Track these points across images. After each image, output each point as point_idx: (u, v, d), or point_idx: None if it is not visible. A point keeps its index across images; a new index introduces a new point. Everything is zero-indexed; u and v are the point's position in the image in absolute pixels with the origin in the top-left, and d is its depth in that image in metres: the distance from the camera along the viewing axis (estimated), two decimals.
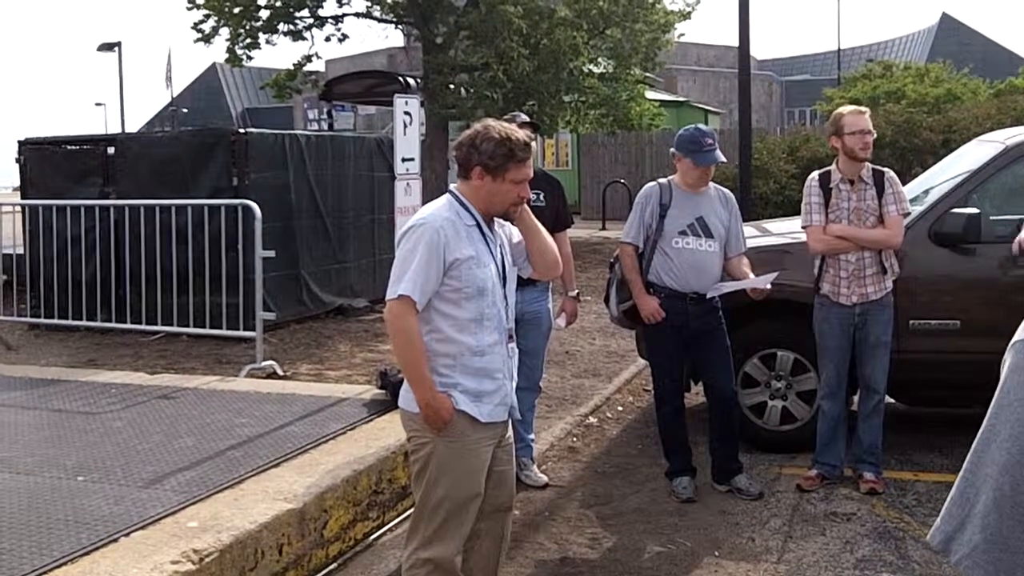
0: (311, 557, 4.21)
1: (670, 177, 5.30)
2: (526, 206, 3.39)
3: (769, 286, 5.06)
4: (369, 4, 18.22)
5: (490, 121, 3.36)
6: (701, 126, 5.31)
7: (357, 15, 18.49)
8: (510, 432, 3.49)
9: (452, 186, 3.39)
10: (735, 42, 12.67)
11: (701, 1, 19.44)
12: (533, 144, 5.24)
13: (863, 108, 5.37)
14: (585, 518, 5.02)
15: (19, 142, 10.34)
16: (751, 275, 5.14)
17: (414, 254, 3.18)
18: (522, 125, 4.50)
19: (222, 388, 6.39)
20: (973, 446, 1.46)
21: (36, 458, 4.76)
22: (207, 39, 18.15)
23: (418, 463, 3.31)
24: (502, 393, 3.34)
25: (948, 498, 1.48)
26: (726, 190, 5.35)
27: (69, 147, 10.23)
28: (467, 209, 3.30)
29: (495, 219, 3.38)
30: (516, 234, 3.46)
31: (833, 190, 5.21)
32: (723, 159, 5.12)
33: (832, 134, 5.28)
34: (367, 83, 18.63)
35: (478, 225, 3.30)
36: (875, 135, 5.21)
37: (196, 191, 9.08)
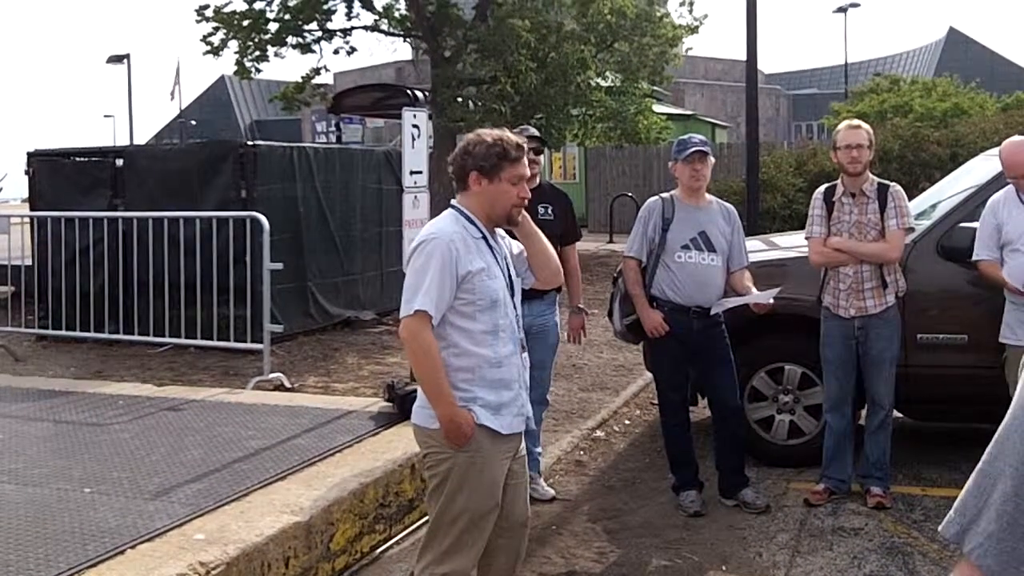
0: (317, 570, 4.21)
1: (672, 191, 5.32)
2: (526, 214, 3.40)
3: (772, 301, 5.06)
4: (377, 18, 18.31)
5: (480, 130, 3.38)
6: (692, 135, 5.35)
7: (366, 28, 18.58)
8: (523, 445, 3.49)
9: (453, 201, 3.39)
10: (743, 56, 12.69)
11: (709, 15, 19.66)
12: (540, 158, 5.25)
13: (857, 122, 5.37)
14: (592, 532, 5.01)
15: (28, 154, 10.41)
16: (754, 289, 5.14)
17: (427, 269, 3.17)
18: (529, 139, 4.51)
19: (229, 400, 6.40)
20: (992, 441, 1.46)
21: (43, 470, 4.77)
22: (216, 52, 18.25)
23: (436, 478, 3.28)
24: (519, 403, 3.34)
25: (963, 490, 1.48)
26: (728, 205, 5.37)
27: (78, 159, 10.29)
28: (472, 222, 3.30)
29: (496, 231, 3.39)
30: (516, 246, 3.47)
31: (836, 203, 5.22)
32: (707, 151, 5.13)
33: (832, 149, 5.31)
34: (375, 96, 18.69)
35: (484, 237, 3.30)
36: (867, 147, 5.15)
37: (204, 203, 9.11)
